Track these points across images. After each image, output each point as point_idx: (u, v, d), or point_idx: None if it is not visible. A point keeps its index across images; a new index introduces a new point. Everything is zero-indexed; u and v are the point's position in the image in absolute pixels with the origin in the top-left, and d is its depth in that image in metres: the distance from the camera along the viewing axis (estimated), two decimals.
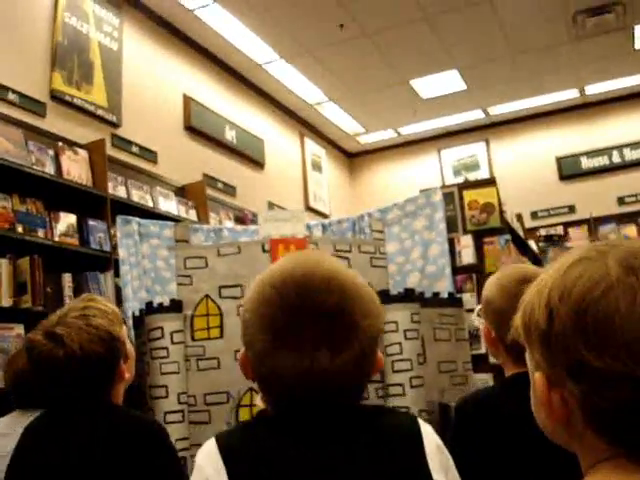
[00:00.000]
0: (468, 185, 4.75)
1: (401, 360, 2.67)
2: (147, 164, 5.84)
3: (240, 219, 6.90)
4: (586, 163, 9.42)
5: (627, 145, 9.20)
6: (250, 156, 7.66)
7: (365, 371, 1.11)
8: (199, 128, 6.75)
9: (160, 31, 6.40)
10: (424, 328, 2.86)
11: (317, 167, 9.44)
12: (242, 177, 7.46)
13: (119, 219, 3.08)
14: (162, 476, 1.59)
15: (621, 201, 9.15)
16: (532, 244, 6.37)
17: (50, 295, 4.13)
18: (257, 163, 7.84)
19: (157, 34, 6.36)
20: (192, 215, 5.94)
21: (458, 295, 3.20)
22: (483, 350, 4.03)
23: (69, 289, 4.25)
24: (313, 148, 9.40)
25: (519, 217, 6.25)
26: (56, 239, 4.30)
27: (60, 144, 4.69)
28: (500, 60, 7.78)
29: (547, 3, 6.66)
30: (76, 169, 4.65)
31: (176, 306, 2.65)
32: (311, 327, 1.05)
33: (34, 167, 4.29)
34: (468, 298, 4.03)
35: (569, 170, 9.48)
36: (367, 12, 6.49)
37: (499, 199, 4.35)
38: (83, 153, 4.82)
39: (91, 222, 4.56)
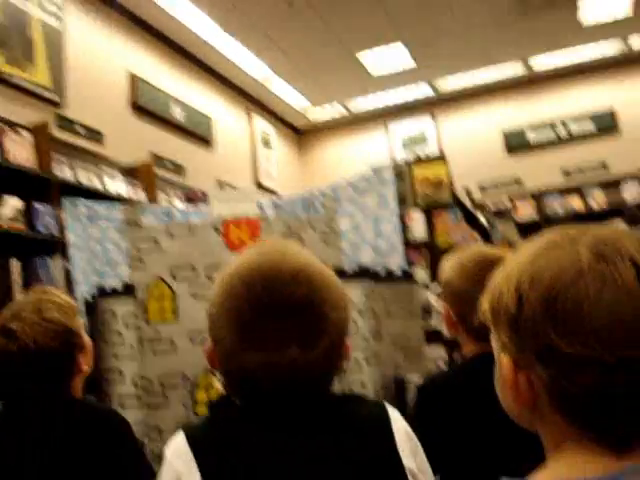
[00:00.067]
0: (418, 161, 4.78)
1: (357, 337, 2.69)
2: (93, 145, 5.72)
3: (190, 198, 6.84)
4: (532, 136, 9.57)
5: (572, 118, 9.37)
6: (198, 134, 7.58)
7: (334, 362, 1.12)
8: (146, 107, 6.64)
9: (104, 9, 6.24)
10: (378, 305, 2.88)
11: (266, 144, 9.39)
12: (191, 156, 7.38)
13: (66, 202, 3.02)
14: (125, 468, 1.58)
15: (566, 174, 9.33)
16: (481, 217, 6.45)
17: None
18: (205, 141, 7.76)
19: (101, 12, 6.20)
20: (141, 196, 5.85)
21: (409, 271, 3.22)
22: (436, 324, 4.09)
23: (17, 275, 4.16)
24: (262, 125, 9.34)
25: (468, 192, 6.33)
26: (2, 224, 4.19)
27: (2, 126, 4.56)
28: (447, 34, 7.81)
29: None
30: (20, 152, 4.54)
31: (129, 290, 2.62)
32: (280, 322, 1.05)
33: None
34: (420, 273, 4.08)
35: (515, 143, 9.62)
36: None
37: (449, 174, 4.40)
38: (27, 135, 4.70)
39: (37, 206, 4.46)
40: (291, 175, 10.13)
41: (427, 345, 3.18)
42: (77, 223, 2.98)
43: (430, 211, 4.36)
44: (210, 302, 1.13)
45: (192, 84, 7.68)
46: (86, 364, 1.77)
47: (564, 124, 9.42)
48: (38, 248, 4.40)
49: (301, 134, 10.74)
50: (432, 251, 4.21)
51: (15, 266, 4.18)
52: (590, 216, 8.97)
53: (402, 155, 9.63)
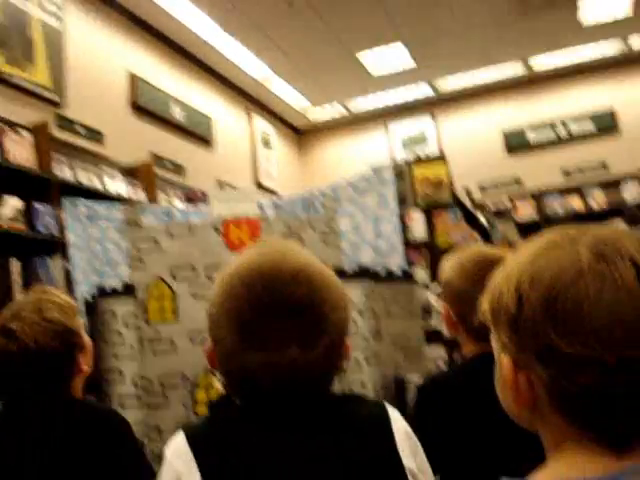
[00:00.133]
0: (418, 161, 4.78)
1: (357, 337, 2.69)
2: (93, 145, 5.72)
3: (190, 198, 6.83)
4: (532, 136, 9.57)
5: (572, 118, 9.37)
6: (198, 134, 7.58)
7: (334, 362, 1.12)
8: (146, 107, 6.64)
9: (104, 8, 6.24)
10: (378, 305, 2.88)
11: (266, 144, 9.39)
12: (191, 156, 7.38)
13: (66, 202, 3.02)
14: (125, 468, 1.58)
15: (566, 174, 9.33)
16: (481, 217, 6.46)
17: None
18: (205, 141, 7.76)
19: (101, 12, 6.20)
20: (141, 196, 5.85)
21: (410, 270, 3.22)
22: (435, 323, 4.09)
23: (17, 275, 4.16)
24: (262, 125, 9.34)
25: (468, 192, 6.33)
26: (2, 224, 4.19)
27: (2, 126, 4.56)
28: (447, 34, 7.81)
29: None
30: (20, 152, 4.54)
31: (129, 290, 2.62)
32: (280, 322, 1.05)
33: None
34: (420, 273, 4.08)
35: (515, 143, 9.62)
36: None
37: (449, 174, 4.40)
38: (27, 135, 4.70)
39: (37, 206, 4.46)
40: (291, 175, 10.13)
41: (427, 345, 3.19)
42: (77, 223, 2.98)
43: (430, 211, 4.36)
44: (210, 302, 1.13)
45: (192, 84, 7.68)
46: (86, 364, 1.76)
47: (564, 124, 9.42)
48: (38, 248, 4.40)
49: (301, 134, 10.74)
50: (432, 251, 4.21)
51: (15, 266, 4.18)
52: (590, 216, 8.96)
53: (402, 155, 9.62)
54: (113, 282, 2.75)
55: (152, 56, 6.98)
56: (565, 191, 9.24)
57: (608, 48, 8.87)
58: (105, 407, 1.96)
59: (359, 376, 2.67)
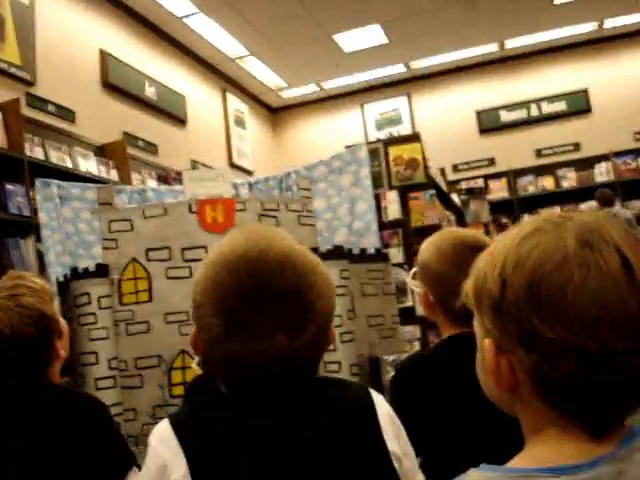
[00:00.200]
0: (393, 141, 4.78)
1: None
2: (65, 123, 5.66)
3: (163, 178, 6.79)
4: (505, 116, 9.62)
5: (545, 98, 9.43)
6: (171, 113, 7.52)
7: (320, 349, 1.11)
8: (118, 85, 6.57)
9: None
10: (353, 284, 2.89)
11: (240, 123, 9.34)
12: (164, 135, 7.32)
13: (38, 182, 2.98)
14: (104, 453, 1.58)
15: (539, 153, 9.41)
16: (454, 197, 6.50)
17: None
18: (179, 120, 7.70)
19: None
20: (113, 175, 5.80)
21: (385, 250, 3.24)
22: (410, 303, 4.12)
23: None
24: (235, 103, 9.27)
25: (442, 171, 6.35)
26: None
27: None
28: (422, 14, 7.79)
29: None
30: None
31: (102, 271, 2.60)
32: (266, 310, 1.04)
33: None
34: (394, 253, 4.10)
35: (489, 123, 9.67)
36: None
37: (423, 154, 4.41)
38: None
39: (9, 186, 4.40)
40: (265, 154, 10.09)
41: (401, 323, 3.20)
42: (49, 204, 2.94)
43: (404, 191, 4.38)
44: (194, 288, 1.11)
45: (165, 62, 7.60)
46: (63, 349, 1.75)
47: (537, 104, 9.47)
48: (10, 229, 4.35)
49: (275, 113, 10.69)
50: (406, 231, 4.23)
51: None
52: (562, 195, 9.06)
53: (376, 135, 9.63)
54: (86, 263, 2.72)
55: (124, 34, 6.89)
56: (537, 171, 9.32)
57: (582, 29, 8.92)
58: (83, 392, 1.95)
59: (334, 355, 2.68)
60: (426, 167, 4.46)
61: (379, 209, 4.04)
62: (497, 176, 9.42)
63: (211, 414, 1.07)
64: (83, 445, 1.54)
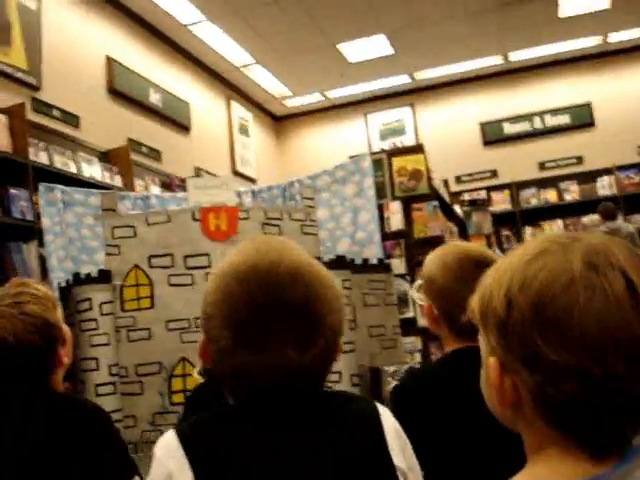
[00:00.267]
0: (397, 151, 4.79)
1: None
2: (69, 129, 5.67)
3: (166, 185, 6.80)
4: (508, 128, 9.62)
5: (548, 111, 9.44)
6: (175, 120, 7.53)
7: (328, 361, 1.11)
8: (123, 91, 6.58)
9: None
10: (355, 294, 2.89)
11: (244, 131, 9.35)
12: (168, 141, 7.33)
13: (42, 187, 2.99)
14: (107, 462, 1.57)
15: (542, 166, 9.41)
16: (457, 208, 6.50)
17: None
18: (183, 127, 7.71)
19: None
20: (117, 181, 5.81)
21: (387, 261, 3.24)
22: (411, 314, 4.12)
23: None
24: (240, 111, 9.29)
25: (445, 183, 6.36)
26: None
27: None
28: (427, 25, 7.81)
29: None
30: None
31: (104, 277, 2.60)
32: (276, 323, 1.03)
33: None
34: (397, 263, 4.10)
35: (492, 135, 9.68)
36: None
37: (427, 165, 4.41)
38: (2, 118, 4.63)
39: (12, 190, 4.40)
40: (269, 162, 10.11)
41: (402, 334, 3.20)
42: (52, 208, 2.95)
43: (407, 201, 4.38)
44: (204, 299, 1.10)
45: (170, 69, 7.62)
46: (66, 356, 1.74)
47: (541, 117, 9.48)
48: (13, 233, 4.35)
49: (279, 121, 10.71)
50: (409, 241, 4.23)
51: None
52: (564, 208, 9.06)
53: (380, 145, 9.64)
54: (88, 269, 2.72)
55: (130, 40, 6.91)
56: (540, 184, 9.32)
57: (587, 42, 8.93)
58: (86, 400, 1.95)
59: (335, 365, 2.67)
60: (429, 178, 4.47)
61: (382, 219, 4.04)
62: (500, 188, 9.42)
63: (218, 426, 1.06)
64: (85, 453, 1.54)
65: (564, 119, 9.39)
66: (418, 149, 4.65)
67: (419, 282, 1.76)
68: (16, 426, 1.55)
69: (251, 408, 1.07)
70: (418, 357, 3.93)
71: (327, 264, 2.79)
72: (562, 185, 9.20)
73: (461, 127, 9.74)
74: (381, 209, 4.09)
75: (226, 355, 1.05)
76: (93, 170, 5.52)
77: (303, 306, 1.05)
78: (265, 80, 9.07)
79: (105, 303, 2.56)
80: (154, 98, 7.10)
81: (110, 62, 6.44)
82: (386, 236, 4.04)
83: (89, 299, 2.55)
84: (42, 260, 3.97)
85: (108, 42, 6.51)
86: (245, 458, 1.00)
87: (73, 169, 5.25)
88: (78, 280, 2.61)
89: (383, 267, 3.11)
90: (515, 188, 9.34)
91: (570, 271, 0.72)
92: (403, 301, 4.00)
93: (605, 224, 7.49)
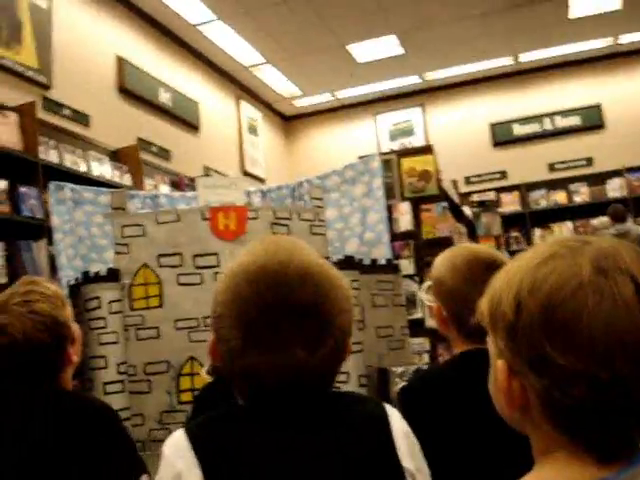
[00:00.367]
0: (406, 152, 4.79)
1: None
2: (80, 127, 5.69)
3: (176, 184, 6.81)
4: (518, 130, 9.60)
5: (558, 112, 9.41)
6: (185, 119, 7.54)
7: (337, 362, 1.11)
8: (133, 90, 6.60)
9: None
10: (363, 294, 2.89)
11: (253, 131, 9.36)
12: (177, 141, 7.35)
13: (52, 185, 3.00)
14: (115, 461, 1.58)
15: (551, 167, 9.38)
16: (466, 209, 6.49)
17: None
18: (192, 126, 7.72)
19: None
20: (126, 180, 5.82)
21: (395, 261, 3.23)
22: (420, 315, 4.12)
23: (1, 258, 4.13)
24: (249, 111, 9.30)
25: (454, 183, 6.35)
26: None
27: None
28: (438, 25, 7.80)
29: None
30: (6, 133, 4.49)
31: (113, 275, 2.61)
32: (285, 324, 1.03)
33: None
34: (405, 264, 4.10)
35: (502, 136, 9.65)
36: None
37: (436, 166, 4.41)
38: (13, 116, 4.65)
39: (22, 189, 4.42)
40: (278, 162, 10.11)
41: (410, 335, 3.20)
42: (62, 207, 2.96)
43: (416, 202, 4.38)
44: (214, 298, 1.10)
45: (180, 68, 7.63)
46: (75, 354, 1.75)
47: (551, 118, 9.45)
48: (23, 231, 4.37)
49: (288, 121, 10.72)
50: (417, 242, 4.23)
51: None
52: (574, 210, 9.03)
53: (389, 145, 9.64)
54: (97, 267, 2.73)
55: (141, 40, 6.93)
56: (550, 185, 9.29)
57: (597, 44, 8.90)
58: (95, 399, 1.95)
59: (343, 366, 2.67)
60: (439, 179, 4.46)
61: (391, 220, 4.04)
62: (509, 189, 9.40)
63: (227, 425, 1.06)
64: (94, 451, 1.54)
65: (574, 120, 9.35)
66: (427, 150, 4.65)
67: (428, 283, 1.75)
68: (25, 424, 1.55)
69: (260, 408, 1.07)
70: (426, 358, 3.93)
71: (335, 264, 2.78)
72: (572, 187, 9.17)
73: (471, 128, 9.72)
74: (390, 210, 4.09)
75: (235, 355, 1.05)
76: (103, 169, 5.53)
77: (312, 306, 1.05)
78: (275, 80, 9.07)
79: (114, 301, 2.56)
80: (164, 97, 7.11)
81: (120, 61, 6.46)
82: (395, 237, 4.04)
83: (98, 297, 2.56)
84: (51, 258, 3.98)
85: (119, 41, 6.53)
86: (254, 458, 1.00)
87: (83, 168, 5.27)
88: (87, 278, 2.62)
89: (391, 268, 3.11)
90: (524, 189, 9.32)
91: (579, 275, 0.72)
92: (411, 302, 4.00)
93: (615, 226, 7.46)
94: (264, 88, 9.35)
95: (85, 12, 6.07)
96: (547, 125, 9.47)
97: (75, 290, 2.65)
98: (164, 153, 7.00)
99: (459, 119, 9.80)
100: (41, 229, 4.41)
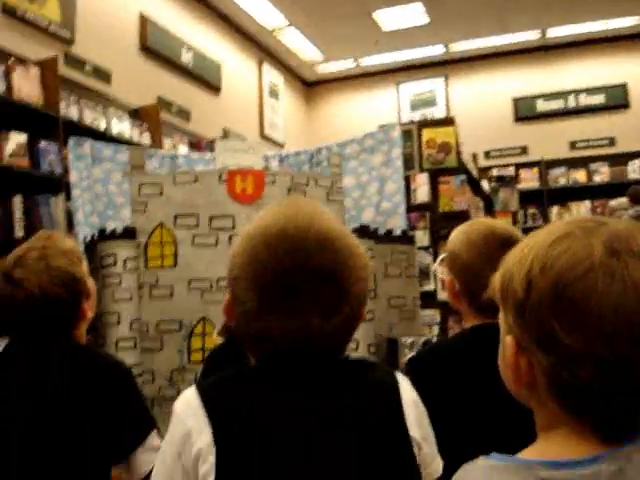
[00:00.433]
0: (427, 123, 4.76)
1: None
2: (101, 84, 5.68)
3: (194, 144, 6.81)
4: (541, 105, 9.49)
5: (583, 90, 9.28)
6: (206, 80, 7.51)
7: (351, 329, 1.11)
8: (155, 49, 6.57)
9: None
10: (376, 264, 2.90)
11: (274, 94, 9.31)
12: (197, 101, 7.32)
13: (71, 140, 3.00)
14: (126, 416, 1.60)
15: (573, 146, 9.28)
16: (484, 184, 6.45)
17: None
18: (213, 87, 7.69)
19: None
20: (145, 138, 5.82)
21: (411, 232, 3.23)
22: (432, 287, 4.12)
23: (19, 212, 4.16)
24: (271, 75, 9.25)
25: (474, 157, 6.31)
26: (5, 160, 4.17)
27: (11, 60, 4.51)
28: None
29: None
30: (27, 87, 4.49)
31: (130, 233, 2.63)
32: (302, 291, 1.03)
33: None
34: (420, 236, 4.09)
35: (524, 112, 9.55)
36: None
37: (457, 139, 4.37)
38: (35, 70, 4.64)
39: (42, 143, 4.43)
40: (297, 127, 10.07)
41: (421, 306, 3.21)
42: (81, 163, 2.96)
43: (435, 174, 4.35)
44: (231, 259, 1.10)
45: (203, 29, 7.58)
46: (90, 310, 1.76)
47: (575, 96, 9.33)
48: (41, 186, 4.38)
49: (310, 86, 10.65)
50: (434, 214, 4.22)
51: (17, 202, 4.17)
52: (593, 190, 8.95)
53: (410, 115, 9.56)
54: (114, 224, 2.75)
55: None
56: (570, 163, 9.20)
57: (625, 22, 8.75)
58: (109, 355, 1.98)
59: None
60: (458, 152, 4.43)
61: (408, 191, 4.02)
62: (529, 165, 9.32)
63: (239, 385, 1.06)
64: (106, 405, 1.56)
65: (598, 99, 9.23)
66: (449, 122, 4.61)
67: (443, 256, 1.75)
68: (41, 378, 1.58)
69: (272, 369, 1.07)
70: (436, 330, 3.94)
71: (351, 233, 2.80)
72: (592, 166, 9.07)
73: (493, 101, 9.62)
74: (408, 180, 4.08)
75: (251, 317, 1.06)
76: (122, 126, 5.53)
77: (331, 273, 1.05)
78: (298, 44, 8.99)
79: (129, 259, 2.59)
80: (186, 57, 7.08)
81: (143, 19, 6.42)
82: (411, 208, 4.02)
83: (114, 255, 2.58)
84: (69, 214, 4.00)
85: (142, 0, 6.49)
86: (265, 419, 1.01)
87: (103, 124, 5.27)
88: (103, 236, 2.64)
89: (406, 239, 3.11)
90: (544, 166, 9.24)
91: (591, 256, 0.72)
92: (424, 273, 4.01)
93: (634, 208, 7.39)
94: (287, 52, 9.28)
95: None
96: (571, 102, 9.35)
97: (91, 247, 2.68)
98: (184, 113, 6.98)
99: (482, 92, 9.70)
100: (59, 184, 4.43)
